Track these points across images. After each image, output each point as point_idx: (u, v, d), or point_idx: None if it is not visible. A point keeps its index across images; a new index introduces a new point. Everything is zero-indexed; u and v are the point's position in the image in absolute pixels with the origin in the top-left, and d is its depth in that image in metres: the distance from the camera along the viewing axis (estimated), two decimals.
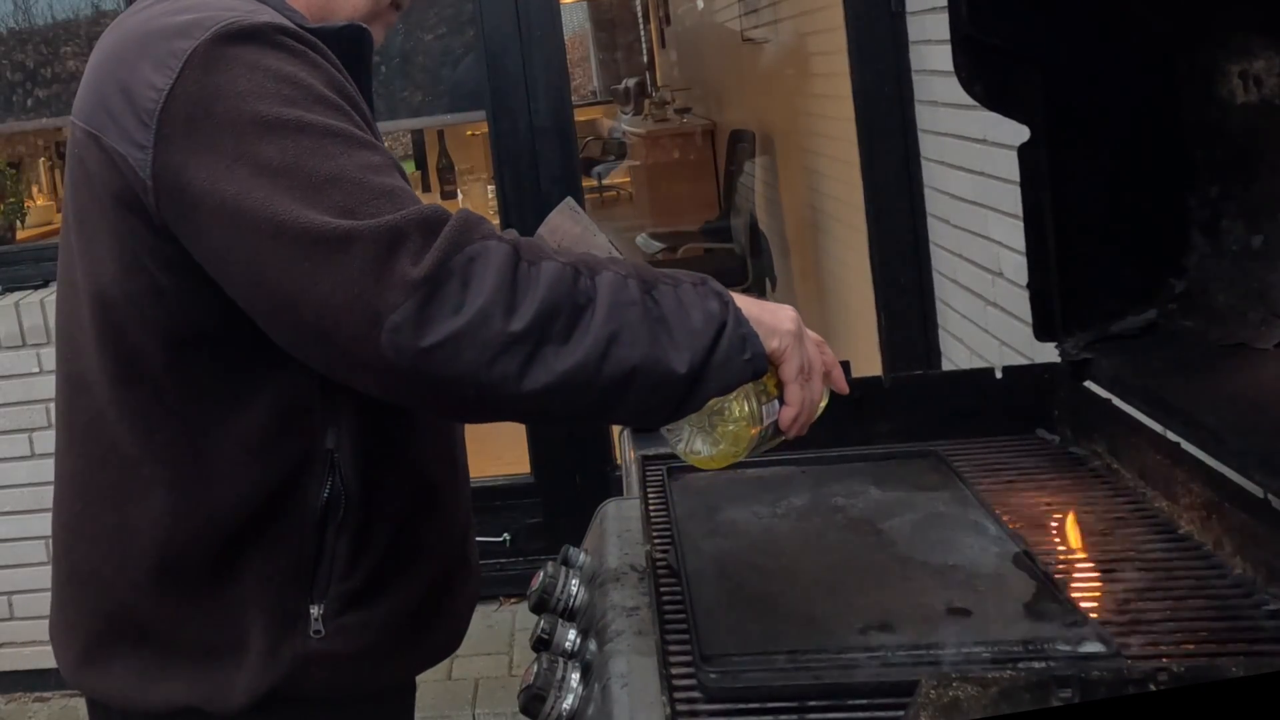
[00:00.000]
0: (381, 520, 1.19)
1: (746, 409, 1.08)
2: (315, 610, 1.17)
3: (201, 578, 1.16)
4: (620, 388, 1.01)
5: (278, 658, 1.16)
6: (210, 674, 1.17)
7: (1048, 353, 1.49)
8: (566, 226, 1.27)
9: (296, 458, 1.15)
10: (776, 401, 1.10)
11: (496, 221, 3.99)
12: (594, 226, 1.29)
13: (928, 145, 3.16)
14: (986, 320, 2.75)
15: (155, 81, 1.05)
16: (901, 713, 0.85)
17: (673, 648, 1.05)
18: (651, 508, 1.33)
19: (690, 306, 1.03)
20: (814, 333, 1.14)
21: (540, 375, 0.98)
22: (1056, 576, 1.11)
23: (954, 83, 1.43)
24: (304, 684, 1.18)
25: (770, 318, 1.08)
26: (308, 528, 1.16)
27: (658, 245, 6.36)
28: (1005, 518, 1.23)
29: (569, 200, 1.32)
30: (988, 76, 1.40)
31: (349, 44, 1.18)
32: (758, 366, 1.05)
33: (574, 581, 1.26)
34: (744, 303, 1.07)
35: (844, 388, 1.17)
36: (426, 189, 6.05)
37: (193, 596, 1.17)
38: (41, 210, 4.64)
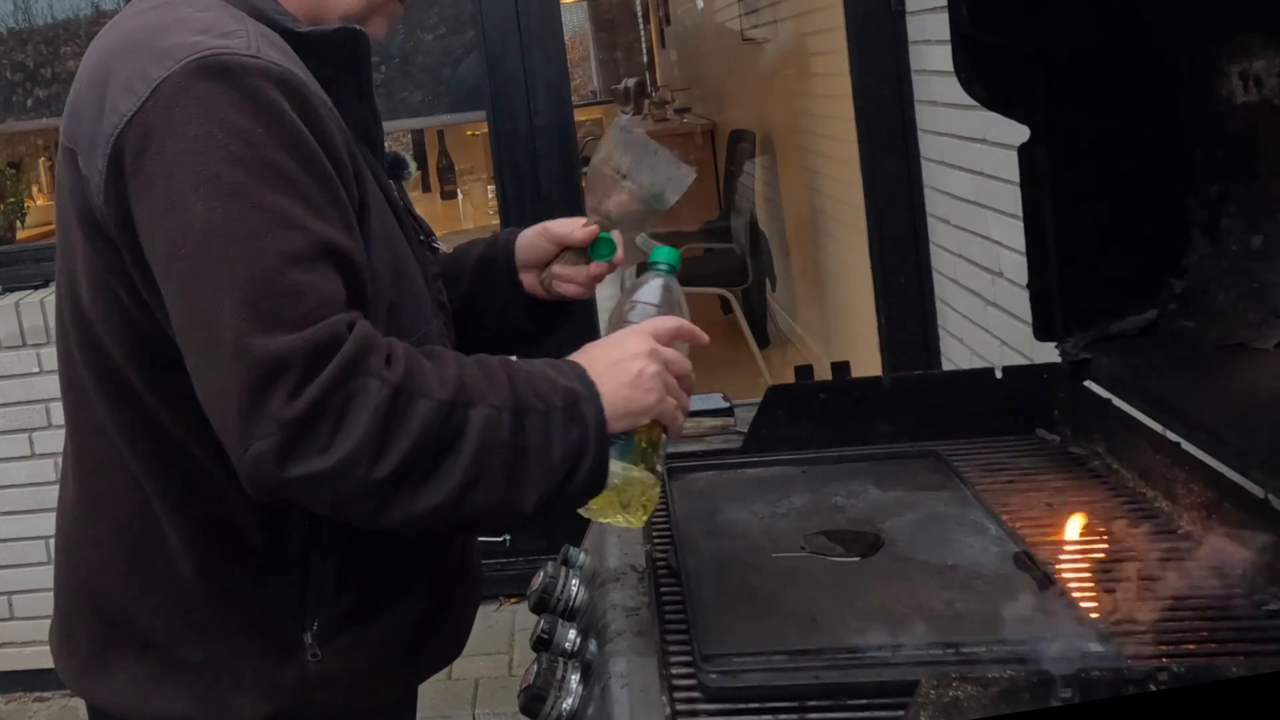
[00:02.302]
0: (367, 542, 1.17)
1: (651, 474, 1.12)
2: (308, 637, 1.17)
3: (195, 596, 1.16)
4: (470, 525, 1.06)
5: (279, 685, 1.16)
6: (210, 692, 1.17)
7: (1048, 353, 1.49)
8: (617, 156, 1.30)
9: None
10: (662, 435, 1.14)
11: (496, 222, 3.98)
12: (652, 145, 1.31)
13: (928, 145, 3.16)
14: (986, 320, 2.75)
15: (120, 107, 1.04)
16: (901, 713, 0.85)
17: (673, 648, 1.05)
18: None
19: (554, 441, 1.05)
20: (658, 329, 1.16)
21: (394, 516, 1.01)
22: (1056, 576, 1.11)
23: (954, 83, 1.43)
24: (308, 708, 1.17)
25: (633, 401, 1.10)
26: (293, 553, 1.15)
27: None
28: (1005, 518, 1.23)
29: (621, 122, 1.34)
30: (988, 76, 1.40)
31: (342, 48, 1.17)
32: (599, 489, 1.08)
33: (574, 581, 1.26)
34: (609, 395, 1.08)
35: (702, 337, 1.20)
36: (427, 189, 6.05)
37: (187, 614, 1.17)
38: (41, 210, 4.63)
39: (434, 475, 1.00)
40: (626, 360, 1.11)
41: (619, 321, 1.23)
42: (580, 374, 1.09)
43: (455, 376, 1.04)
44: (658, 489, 1.14)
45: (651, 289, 1.24)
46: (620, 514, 1.14)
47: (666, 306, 1.23)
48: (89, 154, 1.07)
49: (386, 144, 1.36)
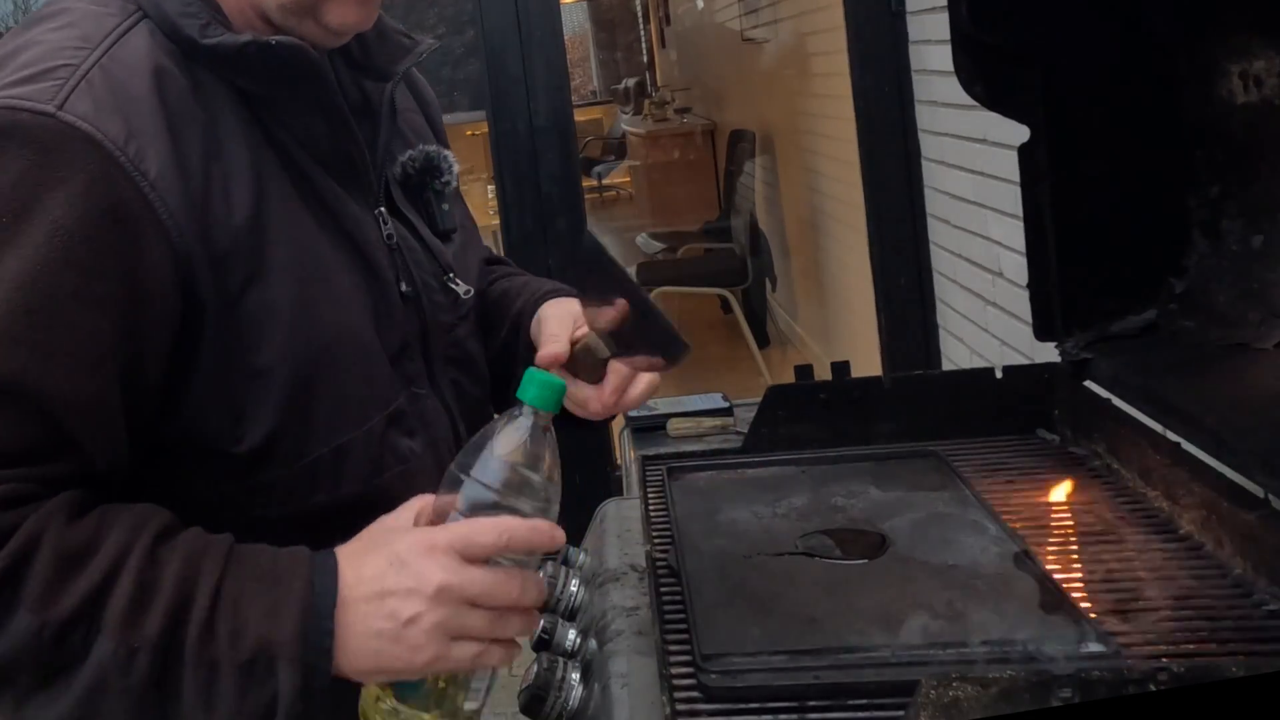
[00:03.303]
0: None
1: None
2: None
3: None
4: None
5: None
6: None
7: (1048, 353, 1.49)
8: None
9: None
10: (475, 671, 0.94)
11: (496, 222, 3.98)
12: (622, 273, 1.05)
13: (928, 145, 3.16)
14: (986, 320, 2.75)
15: None
16: (901, 713, 0.85)
17: (673, 648, 1.05)
18: (651, 508, 1.33)
19: (217, 700, 0.84)
20: (469, 543, 0.88)
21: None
22: (1056, 576, 1.11)
23: (954, 83, 1.43)
24: None
25: (386, 658, 0.86)
26: None
27: (658, 245, 6.36)
28: (1005, 518, 1.23)
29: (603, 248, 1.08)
30: (988, 76, 1.40)
31: (257, 63, 0.97)
32: None
33: (574, 581, 1.25)
34: (353, 643, 0.85)
35: (555, 540, 0.93)
36: None
37: None
38: None
39: (34, 697, 0.84)
40: (397, 598, 0.86)
41: (450, 481, 0.92)
42: (309, 608, 0.85)
43: (89, 591, 0.83)
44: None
45: (502, 446, 0.90)
46: None
47: (512, 488, 0.90)
48: None
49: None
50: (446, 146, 1.22)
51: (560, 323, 1.12)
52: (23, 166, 0.87)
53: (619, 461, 2.47)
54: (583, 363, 1.08)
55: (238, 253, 0.94)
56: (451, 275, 1.16)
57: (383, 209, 1.09)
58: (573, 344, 1.09)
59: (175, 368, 0.93)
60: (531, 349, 1.14)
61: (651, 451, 1.53)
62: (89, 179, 0.88)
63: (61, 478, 0.88)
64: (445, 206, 1.17)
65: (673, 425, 1.60)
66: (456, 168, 1.19)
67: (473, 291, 1.18)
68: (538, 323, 1.17)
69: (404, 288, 1.09)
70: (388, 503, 0.97)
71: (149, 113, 0.92)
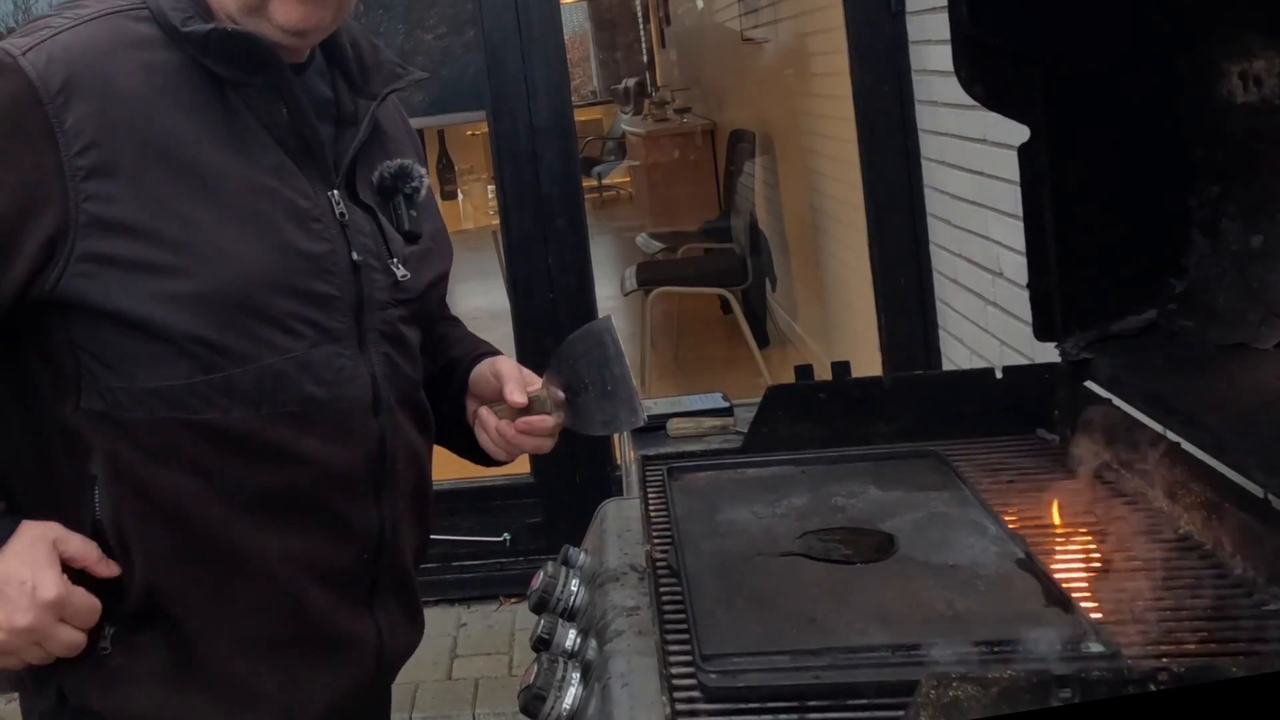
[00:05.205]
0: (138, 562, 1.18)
1: None
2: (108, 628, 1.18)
3: None
4: None
5: (78, 675, 1.19)
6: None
7: (1048, 353, 1.49)
8: (591, 350, 1.28)
9: (71, 479, 1.18)
10: None
11: (496, 222, 3.98)
12: (625, 368, 1.27)
13: (928, 145, 3.16)
14: (986, 320, 2.75)
15: None
16: (901, 713, 0.85)
17: (673, 648, 1.05)
18: (651, 508, 1.33)
19: None
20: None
21: None
22: (1056, 576, 1.11)
23: (954, 83, 1.43)
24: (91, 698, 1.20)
25: None
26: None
27: (658, 245, 6.36)
28: (1005, 518, 1.23)
29: (608, 321, 1.31)
30: (988, 76, 1.40)
31: (221, 49, 1.17)
32: None
33: (574, 581, 1.26)
34: None
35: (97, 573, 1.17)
36: None
37: None
38: None
39: None
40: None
41: None
42: None
43: None
44: None
45: None
46: None
47: None
48: None
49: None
50: (424, 164, 1.38)
51: (517, 379, 1.34)
52: None
53: (619, 461, 2.47)
54: (535, 411, 1.32)
55: (163, 192, 1.14)
56: (394, 260, 1.27)
57: (336, 192, 1.24)
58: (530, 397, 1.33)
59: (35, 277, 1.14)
60: (464, 386, 1.38)
61: (651, 451, 1.53)
62: (10, 98, 1.12)
63: None
64: (414, 213, 1.31)
65: (673, 425, 1.60)
66: (427, 180, 1.34)
67: (410, 277, 1.29)
68: (492, 374, 1.36)
69: (355, 256, 1.23)
70: (276, 436, 1.18)
71: (99, 80, 1.13)
